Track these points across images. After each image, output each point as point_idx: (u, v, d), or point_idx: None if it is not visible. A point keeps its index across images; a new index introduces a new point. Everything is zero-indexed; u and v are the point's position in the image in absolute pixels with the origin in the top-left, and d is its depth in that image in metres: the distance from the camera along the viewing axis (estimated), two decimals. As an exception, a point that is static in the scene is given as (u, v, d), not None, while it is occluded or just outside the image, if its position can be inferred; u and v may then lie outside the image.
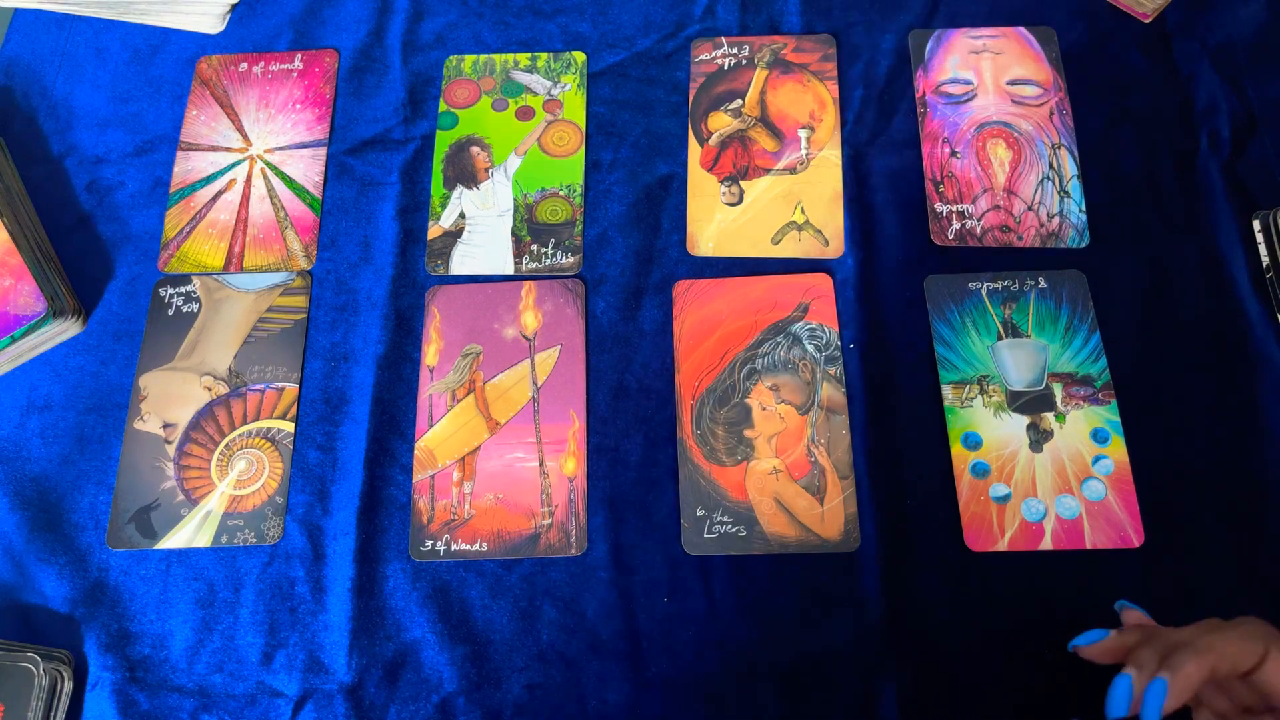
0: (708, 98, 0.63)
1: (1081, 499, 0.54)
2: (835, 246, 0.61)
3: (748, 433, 0.57)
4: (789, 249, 0.60)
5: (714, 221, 0.61)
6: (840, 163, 0.63)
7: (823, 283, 0.60)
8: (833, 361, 0.58)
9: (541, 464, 0.57)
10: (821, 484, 0.55)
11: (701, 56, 0.63)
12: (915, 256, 0.61)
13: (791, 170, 0.61)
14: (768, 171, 0.62)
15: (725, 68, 0.63)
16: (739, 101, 0.61)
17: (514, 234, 0.63)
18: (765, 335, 0.59)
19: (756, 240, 0.61)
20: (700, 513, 0.55)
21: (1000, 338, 0.58)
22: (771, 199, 0.62)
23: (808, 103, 0.63)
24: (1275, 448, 0.55)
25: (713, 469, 0.56)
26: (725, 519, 0.55)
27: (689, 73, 0.66)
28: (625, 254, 0.62)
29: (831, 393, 0.57)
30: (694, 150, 0.63)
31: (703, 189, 0.62)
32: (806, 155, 0.62)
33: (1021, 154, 0.63)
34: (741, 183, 0.61)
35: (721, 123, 0.62)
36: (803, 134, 0.61)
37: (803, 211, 0.60)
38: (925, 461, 0.56)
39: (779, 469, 0.56)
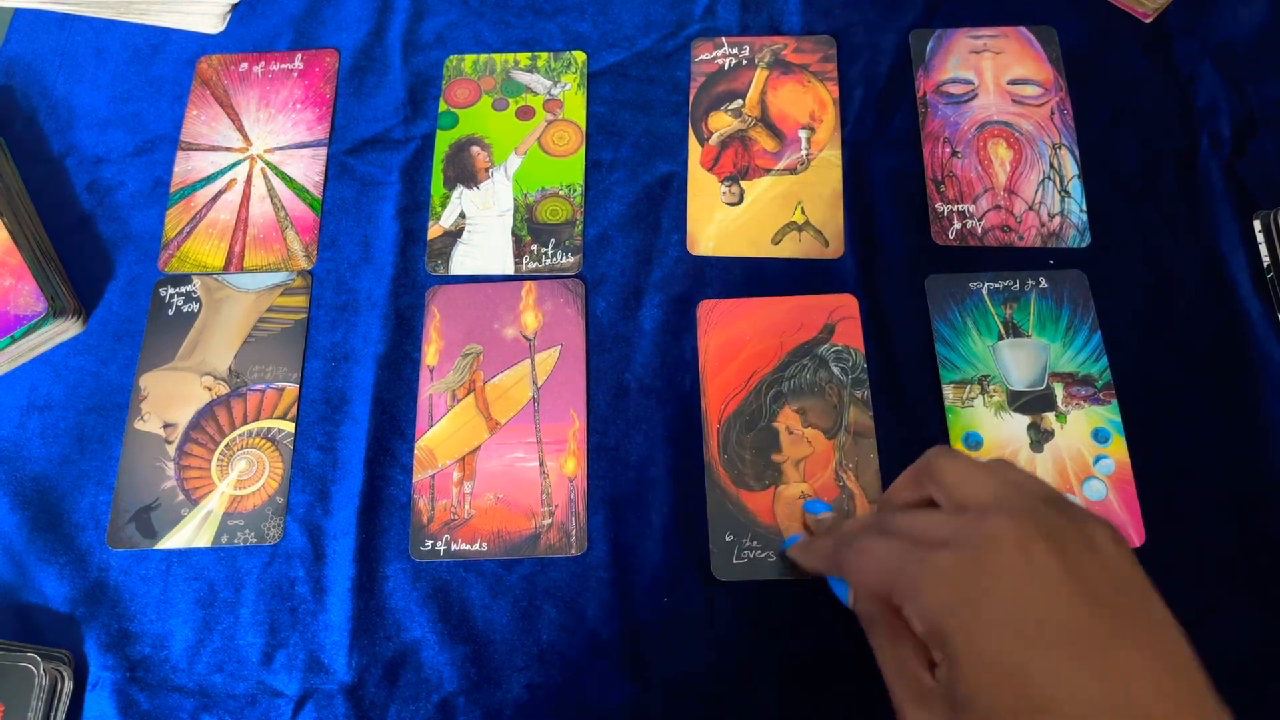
0: (708, 98, 0.63)
1: (1082, 499, 0.54)
2: (835, 247, 0.61)
3: (775, 457, 0.56)
4: (789, 249, 0.60)
5: (714, 221, 0.61)
6: (840, 163, 0.63)
7: (848, 304, 0.59)
8: (859, 385, 0.57)
9: (541, 464, 0.57)
10: (850, 508, 0.54)
11: (702, 56, 0.63)
12: (915, 256, 0.61)
13: (792, 170, 0.61)
14: (768, 172, 0.62)
15: (725, 68, 0.63)
16: (739, 101, 0.61)
17: (514, 234, 0.63)
18: (791, 358, 0.58)
19: (756, 240, 0.61)
20: (729, 538, 0.54)
21: (1001, 337, 0.58)
22: (772, 199, 0.62)
23: (808, 103, 0.63)
24: (1275, 447, 0.55)
25: (741, 493, 0.55)
26: (755, 544, 0.54)
27: (689, 72, 0.66)
28: (625, 254, 0.62)
29: (859, 416, 0.56)
30: (694, 150, 0.63)
31: (703, 189, 0.62)
32: (807, 155, 0.62)
33: (1022, 154, 0.63)
34: (742, 182, 0.61)
35: (722, 123, 0.62)
36: (803, 134, 0.61)
37: (803, 212, 0.60)
38: (925, 461, 0.56)
39: (807, 494, 0.55)
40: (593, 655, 0.53)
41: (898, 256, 0.61)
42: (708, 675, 0.52)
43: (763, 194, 0.62)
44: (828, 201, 0.61)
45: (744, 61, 0.63)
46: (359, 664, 0.53)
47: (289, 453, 0.58)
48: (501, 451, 0.57)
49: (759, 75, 0.62)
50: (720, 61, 0.63)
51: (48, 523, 0.58)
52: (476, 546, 0.55)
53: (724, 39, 0.64)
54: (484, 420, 0.58)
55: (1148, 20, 0.67)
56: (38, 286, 0.60)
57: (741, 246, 0.61)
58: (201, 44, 0.72)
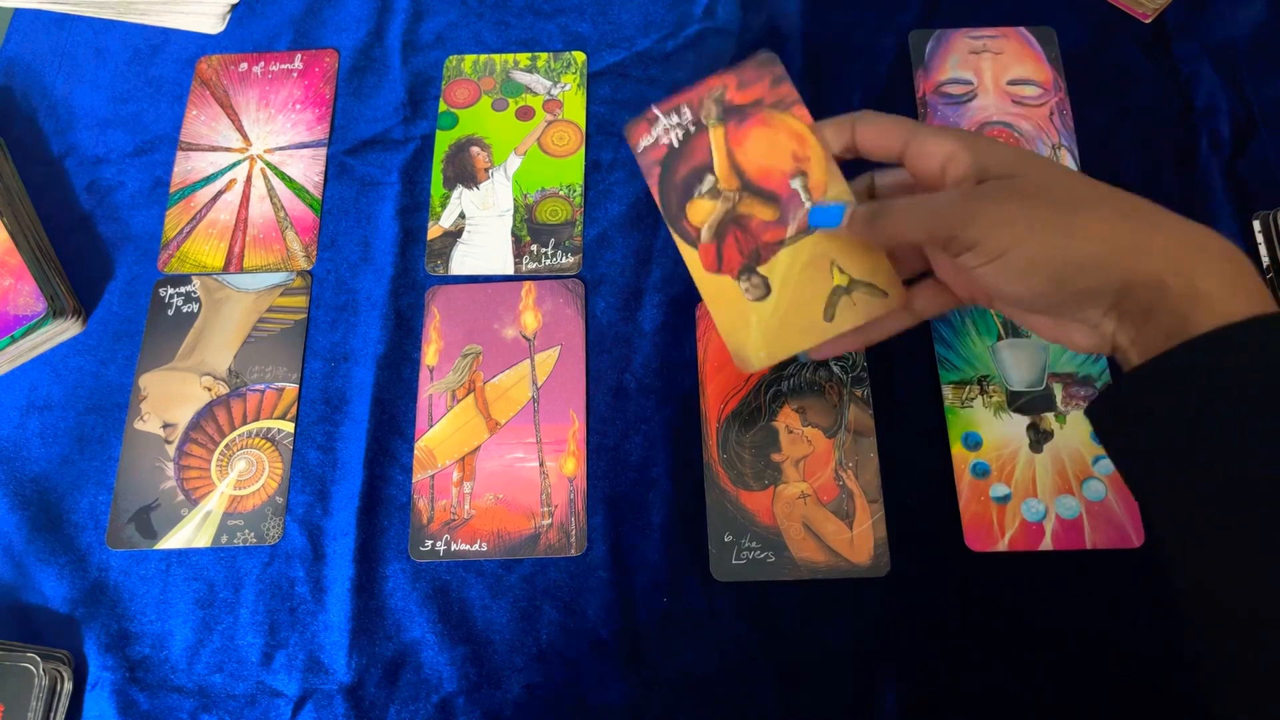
0: (675, 190, 0.49)
1: (1081, 499, 0.54)
2: (896, 292, 0.47)
3: (775, 456, 0.56)
4: (847, 318, 0.47)
5: (751, 326, 0.48)
6: (851, 194, 0.49)
7: None
8: (859, 383, 0.57)
9: (541, 464, 0.57)
10: (850, 508, 0.55)
11: (643, 143, 0.49)
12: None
13: (805, 230, 0.48)
14: (781, 244, 0.48)
15: (675, 144, 0.49)
16: (710, 178, 0.49)
17: (514, 234, 0.63)
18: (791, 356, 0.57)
19: (808, 326, 0.48)
20: (728, 538, 0.54)
21: (1000, 338, 0.58)
22: (801, 272, 0.48)
23: (784, 144, 0.49)
24: (1275, 448, 0.55)
25: (740, 494, 0.55)
26: (753, 545, 0.54)
27: (638, 164, 0.51)
28: (625, 254, 0.62)
29: (859, 415, 0.56)
30: (689, 257, 0.49)
31: (722, 296, 0.49)
32: (813, 206, 0.49)
33: (1021, 154, 0.63)
34: (759, 269, 0.49)
35: (704, 212, 0.49)
36: (797, 184, 0.48)
37: (841, 270, 0.48)
38: (925, 461, 0.56)
39: (807, 493, 0.55)
40: (593, 655, 0.53)
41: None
42: (708, 675, 0.52)
43: (788, 272, 0.49)
44: (861, 247, 0.48)
45: (690, 128, 0.49)
46: (359, 664, 0.53)
47: (289, 453, 0.58)
48: (501, 451, 0.57)
49: (715, 136, 0.49)
50: (665, 140, 0.49)
51: (48, 523, 0.58)
52: (476, 546, 0.55)
53: (654, 109, 0.49)
54: (484, 420, 0.58)
55: (1147, 20, 0.67)
56: (37, 286, 0.60)
57: (795, 340, 0.48)
58: (201, 44, 0.72)
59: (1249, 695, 0.32)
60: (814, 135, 0.47)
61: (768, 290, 0.48)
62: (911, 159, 0.41)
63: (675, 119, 0.49)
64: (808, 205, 0.47)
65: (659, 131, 0.49)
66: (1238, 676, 0.33)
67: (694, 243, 0.49)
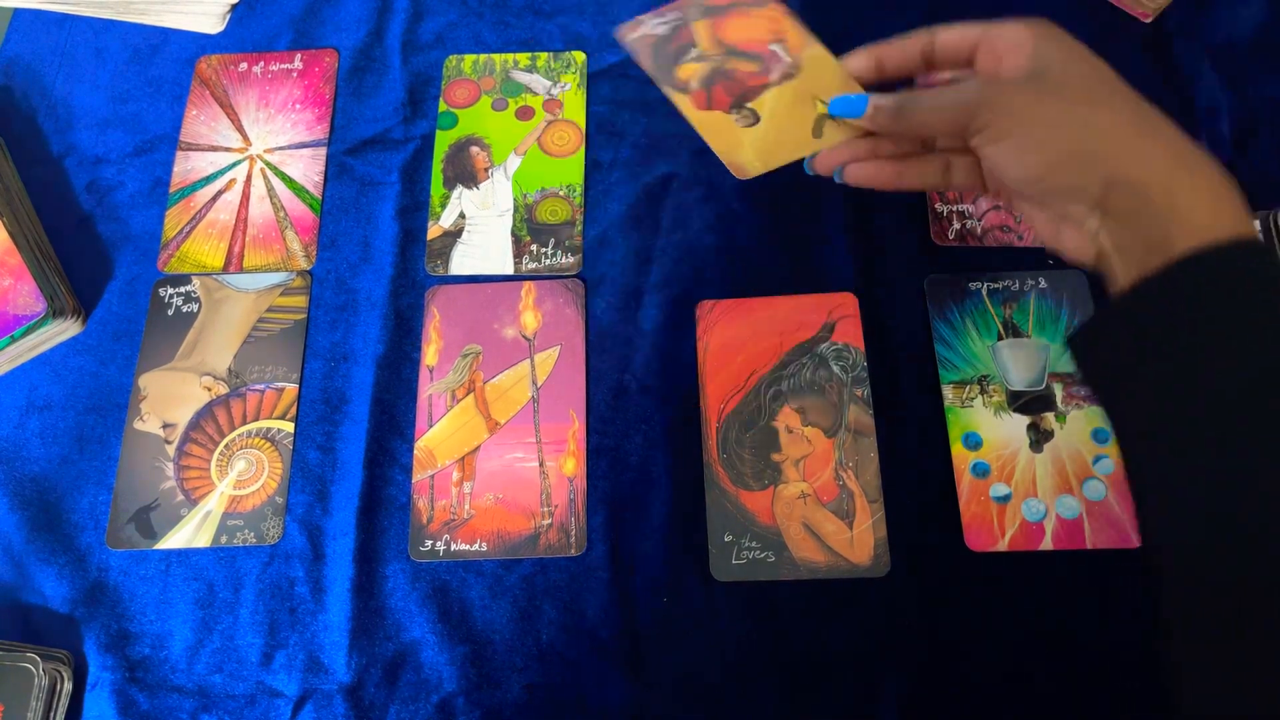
0: (664, 57, 0.55)
1: (1082, 499, 0.54)
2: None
3: (775, 456, 0.56)
4: (834, 135, 0.52)
5: (744, 145, 0.53)
6: (830, 55, 0.54)
7: (848, 302, 0.59)
8: (860, 383, 0.57)
9: (541, 464, 0.57)
10: (850, 508, 0.55)
11: (632, 35, 0.55)
12: (915, 256, 0.61)
13: (789, 76, 0.54)
14: (765, 87, 0.53)
15: (663, 34, 0.55)
16: (695, 49, 0.54)
17: (514, 234, 0.63)
18: (791, 356, 0.58)
19: (800, 142, 0.52)
20: (728, 538, 0.54)
21: (1000, 338, 0.58)
22: (788, 105, 0.53)
23: (762, 26, 0.55)
24: (1275, 448, 0.55)
25: (740, 493, 0.55)
26: (753, 544, 0.54)
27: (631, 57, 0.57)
28: (625, 254, 0.62)
29: (859, 415, 0.56)
30: (681, 102, 0.53)
31: (715, 127, 0.53)
32: (794, 61, 0.54)
33: (1022, 154, 0.63)
34: (748, 104, 0.53)
35: (691, 70, 0.55)
36: (776, 47, 0.54)
37: (824, 103, 0.53)
38: (925, 461, 0.56)
39: (807, 493, 0.55)
40: (593, 655, 0.53)
41: (898, 256, 0.61)
42: (707, 675, 0.52)
43: (775, 105, 0.53)
44: (842, 82, 0.52)
45: (675, 25, 0.56)
46: (358, 664, 0.53)
47: (288, 453, 0.58)
48: (501, 451, 0.57)
49: (698, 28, 0.55)
50: (654, 32, 0.56)
51: (47, 523, 0.58)
52: (476, 547, 0.55)
53: (642, 17, 0.56)
54: (484, 420, 0.58)
55: (1148, 20, 0.67)
56: (37, 286, 0.60)
57: (787, 151, 0.52)
58: (201, 44, 0.72)
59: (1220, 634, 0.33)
60: (790, 19, 0.53)
61: (756, 119, 0.52)
62: (983, 52, 0.43)
63: (661, 19, 0.55)
64: (787, 60, 0.52)
65: (647, 29, 0.55)
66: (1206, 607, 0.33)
67: (685, 89, 0.53)
